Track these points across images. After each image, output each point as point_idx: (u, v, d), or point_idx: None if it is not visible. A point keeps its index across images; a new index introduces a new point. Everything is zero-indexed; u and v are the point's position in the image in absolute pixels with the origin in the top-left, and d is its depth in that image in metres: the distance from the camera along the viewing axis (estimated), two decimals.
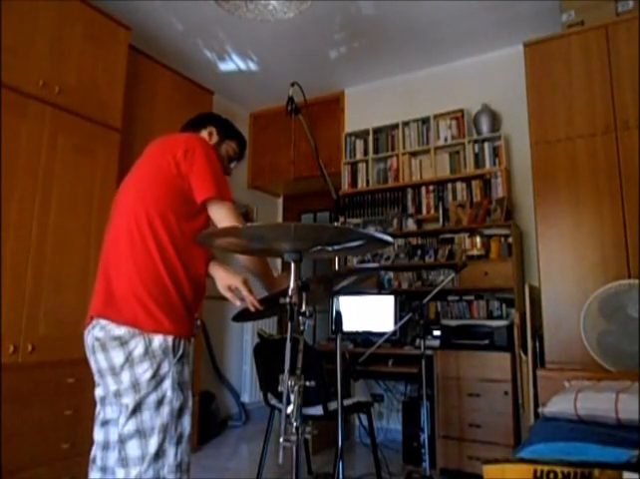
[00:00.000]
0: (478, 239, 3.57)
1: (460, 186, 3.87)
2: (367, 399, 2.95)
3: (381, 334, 3.40)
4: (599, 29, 2.85)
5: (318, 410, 2.48)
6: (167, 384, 1.38)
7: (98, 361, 1.43)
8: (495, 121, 3.87)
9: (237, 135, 1.86)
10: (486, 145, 3.81)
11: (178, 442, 1.37)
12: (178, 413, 1.38)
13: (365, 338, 3.61)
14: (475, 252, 3.55)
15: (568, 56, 2.91)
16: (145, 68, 3.47)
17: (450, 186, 3.91)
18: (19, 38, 2.59)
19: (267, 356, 2.74)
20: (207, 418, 3.88)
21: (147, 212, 1.46)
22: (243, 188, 5.04)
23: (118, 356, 1.37)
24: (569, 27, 3.00)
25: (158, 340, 1.38)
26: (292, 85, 2.03)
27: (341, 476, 2.19)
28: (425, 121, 4.11)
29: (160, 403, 1.36)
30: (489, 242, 3.54)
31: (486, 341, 3.09)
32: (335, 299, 3.72)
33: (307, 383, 1.26)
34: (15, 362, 2.41)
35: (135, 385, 1.36)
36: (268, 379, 2.73)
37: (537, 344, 2.77)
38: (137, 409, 1.35)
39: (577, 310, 2.59)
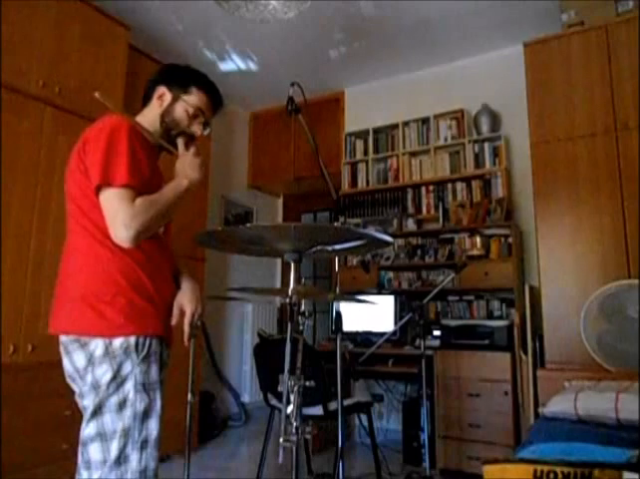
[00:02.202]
0: (478, 240, 3.57)
1: (460, 186, 3.86)
2: (367, 399, 2.95)
3: (381, 334, 3.40)
4: (599, 29, 2.85)
5: (318, 410, 2.48)
6: (130, 386, 1.30)
7: (65, 365, 1.37)
8: (495, 121, 3.87)
9: (195, 81, 1.51)
10: (486, 145, 3.81)
11: (143, 447, 1.29)
12: (143, 416, 1.30)
13: (365, 338, 3.60)
14: (475, 252, 3.55)
15: (568, 56, 2.91)
16: (145, 68, 3.47)
17: (450, 186, 3.90)
18: (19, 38, 2.59)
19: (267, 356, 2.74)
20: (207, 418, 3.88)
21: (80, 221, 1.36)
22: (243, 188, 5.04)
23: (80, 359, 1.32)
24: (569, 27, 3.00)
25: (118, 340, 1.30)
26: (292, 85, 2.03)
27: (341, 476, 2.19)
28: (425, 121, 4.11)
29: (121, 406, 1.29)
30: (489, 242, 3.54)
31: (486, 341, 3.08)
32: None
33: (307, 383, 1.27)
34: (15, 362, 2.41)
35: (95, 387, 1.29)
36: (268, 379, 2.72)
37: (537, 344, 2.77)
38: (97, 412, 1.28)
39: (577, 310, 2.59)
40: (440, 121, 4.06)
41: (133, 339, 1.31)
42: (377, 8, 3.45)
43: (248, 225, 1.41)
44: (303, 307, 1.34)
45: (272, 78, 4.38)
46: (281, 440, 1.23)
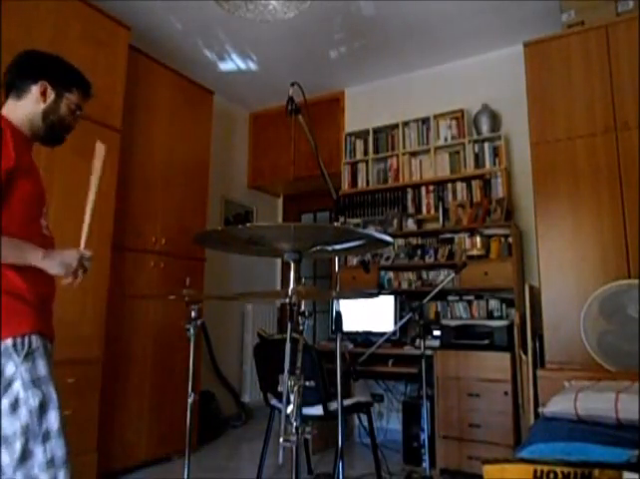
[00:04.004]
0: (478, 239, 3.57)
1: (460, 186, 3.86)
2: (367, 399, 2.96)
3: (381, 334, 3.40)
4: (599, 29, 2.85)
5: (318, 410, 2.48)
6: (18, 385, 1.30)
7: None
8: (495, 121, 3.87)
9: (76, 80, 1.57)
10: (486, 145, 3.81)
11: (45, 439, 1.31)
12: (40, 410, 1.31)
13: (365, 338, 3.61)
14: (475, 252, 3.55)
15: (568, 56, 2.91)
16: (145, 68, 3.48)
17: (450, 186, 3.90)
18: (19, 38, 2.59)
19: (267, 356, 2.74)
20: (207, 418, 3.88)
21: None
22: (243, 188, 5.04)
23: None
24: (569, 27, 3.00)
25: None
26: (292, 85, 2.03)
27: (341, 476, 2.19)
28: (425, 121, 4.11)
29: (14, 406, 1.29)
30: (489, 242, 3.54)
31: (486, 341, 3.08)
32: (335, 300, 3.72)
33: (307, 383, 1.27)
34: None
35: None
36: (268, 379, 2.73)
37: (537, 344, 2.77)
38: None
39: (577, 310, 2.59)
40: (440, 121, 4.06)
41: (9, 341, 1.31)
42: (377, 8, 3.45)
43: (248, 225, 1.41)
44: (303, 307, 1.34)
45: (272, 78, 4.38)
46: (281, 440, 1.23)
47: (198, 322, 2.36)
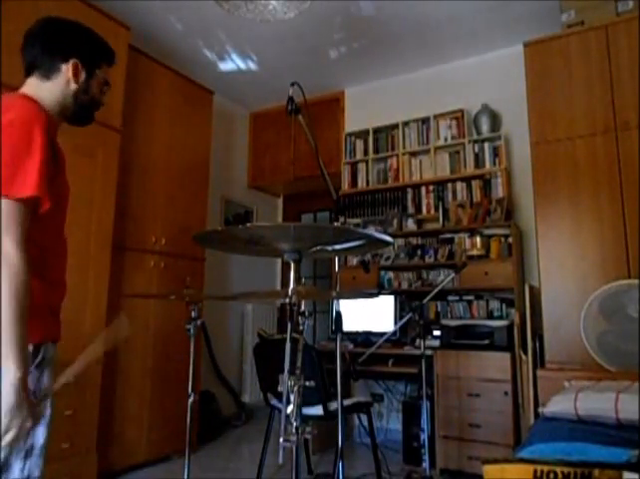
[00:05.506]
0: (478, 239, 3.57)
1: (460, 186, 3.87)
2: (367, 399, 2.96)
3: (381, 334, 3.40)
4: (599, 29, 2.85)
5: (318, 410, 2.48)
6: None
7: None
8: (495, 121, 3.87)
9: (105, 55, 1.44)
10: (486, 145, 3.81)
11: (27, 455, 1.22)
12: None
13: (365, 338, 3.61)
14: (475, 252, 3.55)
15: (568, 56, 2.91)
16: (145, 68, 3.48)
17: (450, 186, 3.90)
18: (19, 38, 2.59)
19: (267, 356, 2.74)
20: (207, 418, 3.88)
21: None
22: (243, 188, 5.04)
23: None
24: (569, 27, 3.00)
25: None
26: (292, 85, 2.03)
27: (341, 476, 2.19)
28: (425, 121, 4.11)
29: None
30: (489, 242, 3.54)
31: (486, 341, 3.08)
32: (335, 300, 3.72)
33: (307, 383, 1.27)
34: None
35: None
36: (268, 379, 2.73)
37: (537, 344, 2.77)
38: None
39: (577, 310, 2.59)
40: (440, 121, 4.06)
41: (30, 347, 1.22)
42: (377, 8, 3.45)
43: (248, 225, 1.40)
44: (303, 307, 1.34)
45: (272, 78, 4.38)
46: (281, 440, 1.23)
47: (198, 322, 2.36)
